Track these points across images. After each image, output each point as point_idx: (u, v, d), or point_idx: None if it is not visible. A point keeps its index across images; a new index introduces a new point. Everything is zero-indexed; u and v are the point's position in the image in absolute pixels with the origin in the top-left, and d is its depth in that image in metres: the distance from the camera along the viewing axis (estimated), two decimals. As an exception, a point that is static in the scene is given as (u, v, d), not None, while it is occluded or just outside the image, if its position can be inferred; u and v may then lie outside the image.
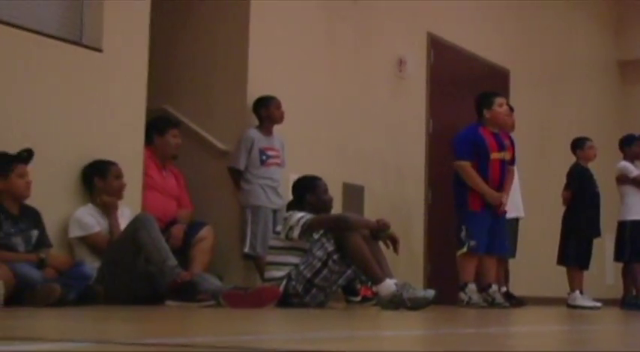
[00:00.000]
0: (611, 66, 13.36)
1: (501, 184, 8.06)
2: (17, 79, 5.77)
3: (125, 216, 6.16)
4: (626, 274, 9.65)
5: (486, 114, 8.12)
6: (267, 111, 7.33)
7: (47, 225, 5.73)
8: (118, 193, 6.19)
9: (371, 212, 8.13)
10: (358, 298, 7.11)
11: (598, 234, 9.33)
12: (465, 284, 7.95)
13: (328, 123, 8.22)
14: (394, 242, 6.56)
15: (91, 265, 5.73)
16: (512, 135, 8.65)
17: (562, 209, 9.40)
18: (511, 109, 8.69)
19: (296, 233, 6.27)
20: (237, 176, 7.30)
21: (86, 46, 6.31)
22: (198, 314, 4.86)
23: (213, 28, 7.68)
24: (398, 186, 9.08)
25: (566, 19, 12.15)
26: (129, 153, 6.46)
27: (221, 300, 5.83)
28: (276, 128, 7.40)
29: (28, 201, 5.61)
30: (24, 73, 5.86)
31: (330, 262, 6.20)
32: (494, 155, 8.02)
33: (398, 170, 9.08)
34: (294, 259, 6.31)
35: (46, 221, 5.72)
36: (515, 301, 8.61)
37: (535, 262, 10.30)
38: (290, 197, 6.83)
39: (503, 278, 8.77)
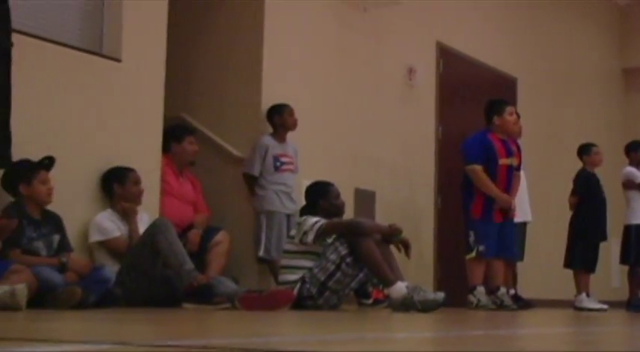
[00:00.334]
0: (616, 74, 13.33)
1: (508, 189, 8.05)
2: (40, 88, 5.79)
3: (143, 221, 6.17)
4: (632, 277, 9.61)
5: (496, 120, 8.11)
6: (280, 118, 7.33)
7: (68, 229, 5.74)
8: (136, 199, 6.20)
9: (382, 217, 8.12)
10: (370, 301, 7.09)
11: (604, 238, 9.32)
12: (474, 287, 7.93)
13: (340, 130, 8.22)
14: (406, 246, 6.54)
15: (111, 269, 5.74)
16: (520, 141, 8.64)
17: (569, 213, 9.37)
18: (518, 116, 8.68)
19: (310, 237, 6.27)
20: (251, 182, 7.31)
21: (106, 57, 6.33)
22: (215, 316, 4.86)
23: (228, 39, 7.70)
24: (408, 191, 9.07)
25: (571, 28, 12.13)
26: (147, 160, 6.47)
27: (236, 303, 5.82)
28: (289, 135, 7.40)
29: (50, 207, 5.63)
30: (46, 83, 5.88)
31: (343, 265, 6.20)
32: (503, 161, 8.01)
33: (408, 176, 9.07)
34: (307, 263, 6.30)
35: (67, 226, 5.74)
36: (523, 303, 8.59)
37: (542, 265, 10.27)
38: (303, 202, 6.83)
39: (512, 281, 8.74)
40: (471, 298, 7.90)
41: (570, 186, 9.37)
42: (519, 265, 9.07)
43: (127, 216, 6.14)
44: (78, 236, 5.98)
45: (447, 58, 9.67)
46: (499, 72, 10.54)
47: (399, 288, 6.10)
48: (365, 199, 8.37)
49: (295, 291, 6.17)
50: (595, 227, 9.19)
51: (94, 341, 2.51)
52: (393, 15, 8.79)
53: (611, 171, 9.92)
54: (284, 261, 6.47)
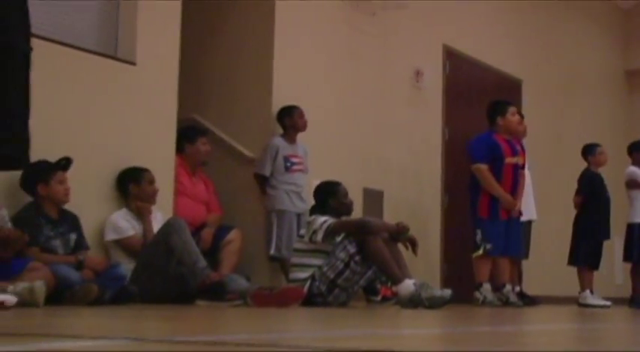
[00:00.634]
0: (619, 76, 13.30)
1: (514, 187, 8.05)
2: (56, 91, 5.80)
3: (157, 220, 6.18)
4: (635, 274, 9.59)
5: (500, 121, 8.13)
6: (291, 120, 7.34)
7: (84, 228, 5.76)
8: (151, 198, 6.22)
9: (390, 216, 8.11)
10: (379, 298, 7.10)
11: (608, 236, 9.30)
12: (480, 284, 7.93)
13: (349, 131, 8.22)
14: (413, 244, 6.55)
15: (126, 266, 5.76)
16: (525, 141, 8.66)
17: (573, 212, 9.36)
18: (521, 117, 8.70)
19: (319, 236, 6.27)
20: (262, 182, 7.31)
21: (121, 60, 6.35)
22: (227, 313, 4.87)
23: (240, 42, 7.70)
24: (415, 191, 9.07)
25: (575, 31, 12.11)
26: (161, 160, 6.49)
27: (248, 300, 5.83)
28: (299, 136, 7.41)
29: (67, 206, 5.65)
30: (63, 86, 5.89)
31: (352, 263, 6.21)
32: (509, 159, 8.03)
33: (415, 176, 9.07)
34: (317, 261, 6.31)
35: (84, 225, 5.76)
36: (528, 300, 8.58)
37: (547, 263, 10.25)
38: (313, 201, 6.83)
39: (517, 278, 8.73)
40: (477, 295, 7.90)
41: (574, 185, 9.35)
42: (524, 263, 9.05)
43: (142, 216, 6.16)
44: (94, 234, 5.99)
45: (454, 60, 9.66)
46: (504, 74, 10.53)
47: (407, 285, 6.10)
48: (373, 198, 8.37)
49: (305, 289, 6.18)
50: (599, 225, 9.17)
51: (110, 337, 2.52)
52: (400, 18, 8.79)
53: (615, 171, 9.90)
54: (294, 259, 6.47)
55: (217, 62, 7.79)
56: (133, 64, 6.37)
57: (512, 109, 8.25)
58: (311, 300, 6.18)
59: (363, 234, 6.22)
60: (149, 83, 6.45)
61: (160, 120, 6.54)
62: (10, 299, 3.87)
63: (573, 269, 9.32)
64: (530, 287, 9.30)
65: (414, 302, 6.03)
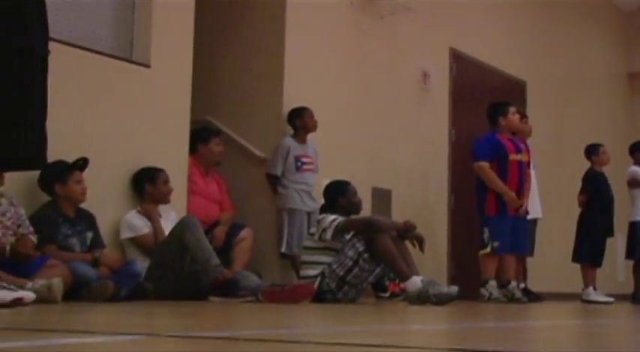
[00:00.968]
0: (621, 78, 13.26)
1: (520, 184, 8.05)
2: (73, 93, 5.81)
3: (171, 219, 6.18)
4: (637, 271, 9.56)
5: (502, 121, 8.17)
6: (301, 121, 7.34)
7: (100, 227, 5.77)
8: (165, 198, 6.23)
9: (398, 214, 8.11)
10: (387, 294, 7.10)
11: (611, 234, 9.29)
12: (486, 281, 7.92)
13: (358, 132, 8.21)
14: (420, 242, 6.54)
15: (141, 264, 5.76)
16: (529, 141, 8.66)
17: (576, 210, 9.34)
18: (523, 116, 8.75)
19: (329, 234, 6.27)
20: (274, 181, 7.32)
21: (136, 63, 6.36)
22: (239, 309, 4.87)
23: (251, 45, 7.70)
24: (423, 190, 9.06)
25: (579, 34, 12.08)
26: (175, 160, 6.49)
27: (260, 296, 5.83)
28: (309, 136, 7.41)
29: (84, 205, 5.66)
30: (80, 88, 5.90)
31: (360, 261, 6.20)
32: (513, 156, 8.05)
33: (423, 175, 9.06)
34: (327, 258, 6.31)
35: (100, 223, 5.76)
36: (533, 296, 8.55)
37: (551, 260, 10.23)
38: (323, 200, 6.83)
39: (522, 275, 8.71)
40: (483, 291, 7.88)
41: (577, 184, 9.33)
42: (529, 260, 9.04)
43: (150, 217, 6.14)
44: (110, 233, 6.00)
45: (460, 62, 9.64)
46: (509, 76, 10.51)
47: (415, 282, 6.09)
48: (382, 197, 8.36)
49: (315, 285, 6.17)
50: (603, 223, 9.16)
51: (126, 333, 2.52)
52: (408, 22, 8.78)
53: (617, 171, 9.87)
54: (304, 257, 6.47)
55: (229, 65, 7.79)
56: (147, 66, 6.38)
57: (512, 109, 8.28)
58: (321, 297, 6.18)
59: (372, 232, 6.22)
60: (163, 85, 6.46)
61: (173, 122, 6.55)
62: (28, 295, 3.88)
63: (577, 267, 9.30)
64: (534, 284, 9.28)
65: (421, 298, 6.03)
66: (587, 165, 9.40)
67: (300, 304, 5.71)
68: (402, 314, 4.95)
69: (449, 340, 2.78)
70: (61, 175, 5.46)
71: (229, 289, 5.84)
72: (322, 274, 6.25)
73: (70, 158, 5.53)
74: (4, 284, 3.82)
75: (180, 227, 5.90)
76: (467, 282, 8.07)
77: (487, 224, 7.99)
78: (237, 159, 7.48)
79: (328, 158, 7.61)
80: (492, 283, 7.91)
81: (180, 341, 2.27)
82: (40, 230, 5.18)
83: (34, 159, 3.15)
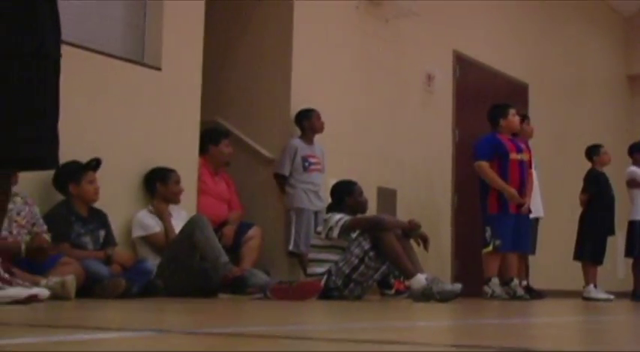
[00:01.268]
0: (621, 80, 13.24)
1: (522, 183, 8.04)
2: (87, 95, 5.82)
3: (182, 217, 6.18)
4: (636, 269, 9.55)
5: (502, 122, 8.19)
6: (308, 122, 7.34)
7: (113, 225, 5.77)
8: (176, 197, 6.23)
9: (403, 213, 8.10)
10: (392, 291, 7.09)
11: (612, 232, 9.28)
12: (489, 279, 7.90)
13: (364, 132, 8.21)
14: (424, 240, 6.54)
15: (152, 262, 5.77)
16: (531, 142, 8.66)
17: (577, 209, 9.33)
18: (525, 118, 8.75)
19: (335, 233, 6.27)
20: (282, 181, 7.32)
21: (147, 66, 6.36)
22: (248, 305, 4.87)
23: (260, 49, 7.70)
24: (427, 190, 9.05)
25: (580, 38, 12.06)
26: (185, 161, 6.49)
27: (268, 293, 5.83)
28: (316, 137, 7.40)
29: (96, 205, 5.66)
30: (93, 90, 5.91)
31: (366, 259, 6.20)
32: (513, 155, 8.05)
33: (427, 175, 9.05)
34: (333, 256, 6.31)
35: (112, 222, 5.77)
36: (535, 294, 8.54)
37: (553, 258, 10.21)
38: (329, 200, 6.83)
39: (524, 272, 8.70)
40: (486, 289, 7.87)
41: (578, 184, 9.32)
42: (531, 258, 9.02)
43: (160, 215, 6.14)
44: (122, 231, 6.01)
45: (463, 65, 9.63)
46: (512, 78, 10.50)
47: (419, 280, 6.09)
48: (387, 197, 8.35)
49: (322, 283, 6.17)
50: (604, 222, 9.16)
51: (137, 329, 2.52)
52: (412, 26, 8.78)
53: (616, 171, 9.85)
54: (312, 255, 6.47)
55: (238, 68, 7.79)
56: (158, 69, 6.38)
57: (512, 111, 8.30)
58: (328, 294, 6.17)
59: (377, 230, 6.21)
60: (174, 88, 6.46)
61: (184, 123, 6.55)
62: (43, 292, 3.88)
63: (578, 264, 9.29)
64: (536, 282, 9.26)
65: (425, 295, 6.02)
66: (587, 165, 9.39)
67: (307, 301, 5.71)
68: (407, 310, 4.95)
69: (453, 336, 2.78)
70: (74, 175, 5.47)
71: (238, 286, 5.85)
72: (329, 272, 6.24)
73: (84, 159, 5.54)
74: (20, 281, 3.82)
75: (190, 226, 5.91)
76: (470, 280, 8.06)
77: (489, 222, 7.99)
78: (246, 160, 7.48)
79: (335, 158, 7.61)
80: (495, 281, 7.90)
81: (191, 337, 2.26)
82: (53, 228, 5.19)
83: (46, 159, 3.16)
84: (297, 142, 7.30)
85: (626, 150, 9.84)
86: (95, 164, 5.56)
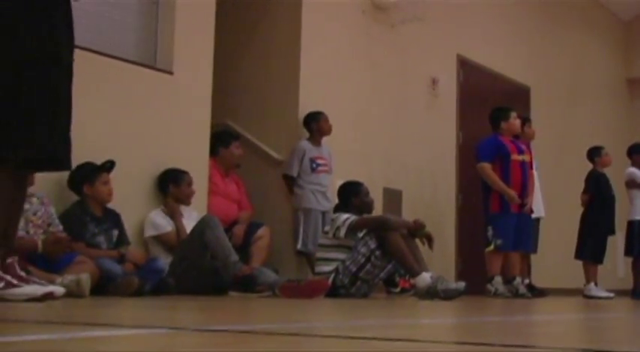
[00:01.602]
0: (621, 83, 13.21)
1: (524, 184, 8.03)
2: (100, 99, 5.83)
3: (193, 218, 6.19)
4: (636, 268, 9.53)
5: (504, 125, 8.19)
6: (316, 124, 7.33)
7: (126, 225, 5.78)
8: (187, 199, 6.23)
9: (408, 213, 8.09)
10: (398, 289, 7.08)
11: (613, 232, 9.27)
12: (492, 277, 7.90)
13: (370, 135, 8.20)
14: (429, 239, 6.53)
15: (164, 260, 5.77)
16: (533, 144, 8.65)
17: (578, 209, 9.32)
18: (526, 121, 8.74)
19: (342, 232, 6.27)
20: (290, 182, 7.32)
21: (159, 70, 6.37)
22: (257, 303, 4.86)
23: (268, 53, 7.71)
24: (432, 190, 9.04)
25: (580, 42, 12.04)
26: (196, 163, 6.50)
27: (277, 291, 5.83)
28: (324, 139, 7.40)
29: (110, 205, 5.67)
30: (106, 94, 5.92)
31: (372, 258, 6.19)
32: (514, 156, 8.06)
33: (432, 176, 9.04)
34: (341, 255, 6.30)
35: (125, 222, 5.77)
36: (537, 292, 8.53)
37: (555, 257, 10.20)
38: (337, 200, 6.83)
39: (527, 271, 8.69)
40: (489, 287, 7.86)
41: (579, 185, 9.31)
42: (533, 257, 9.01)
43: (173, 215, 6.15)
44: (135, 231, 6.02)
45: (467, 69, 9.62)
46: (514, 82, 10.48)
47: (424, 278, 6.08)
48: (393, 197, 8.35)
49: (330, 281, 6.17)
50: (604, 222, 9.14)
51: (150, 326, 2.52)
52: (417, 30, 8.77)
53: (616, 172, 9.83)
54: (319, 254, 6.47)
55: (248, 72, 7.79)
56: (170, 73, 6.39)
57: (513, 114, 8.32)
58: (335, 292, 6.17)
59: (383, 230, 6.21)
60: (185, 91, 6.47)
61: (195, 126, 6.56)
62: (58, 290, 3.89)
63: (579, 263, 9.27)
64: (538, 280, 9.25)
65: (430, 293, 6.01)
66: (588, 166, 9.37)
67: (315, 299, 5.71)
68: (412, 308, 4.94)
69: (457, 334, 2.77)
70: (89, 177, 5.48)
71: (248, 284, 5.85)
72: (336, 270, 6.24)
73: (98, 160, 5.55)
74: (36, 280, 3.83)
75: (201, 225, 5.91)
76: (474, 278, 8.05)
77: (491, 222, 7.98)
78: (256, 161, 7.48)
79: (342, 160, 7.61)
80: (498, 279, 7.89)
81: (202, 334, 2.26)
82: (68, 228, 5.20)
83: (60, 160, 3.16)
84: (305, 144, 7.30)
85: (625, 152, 9.81)
86: (109, 166, 5.57)
